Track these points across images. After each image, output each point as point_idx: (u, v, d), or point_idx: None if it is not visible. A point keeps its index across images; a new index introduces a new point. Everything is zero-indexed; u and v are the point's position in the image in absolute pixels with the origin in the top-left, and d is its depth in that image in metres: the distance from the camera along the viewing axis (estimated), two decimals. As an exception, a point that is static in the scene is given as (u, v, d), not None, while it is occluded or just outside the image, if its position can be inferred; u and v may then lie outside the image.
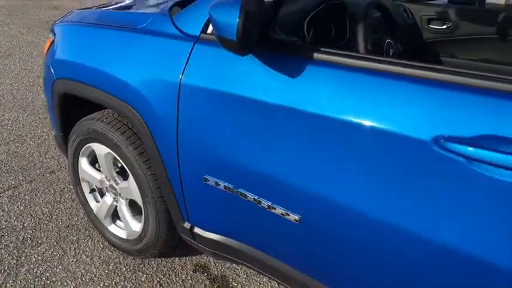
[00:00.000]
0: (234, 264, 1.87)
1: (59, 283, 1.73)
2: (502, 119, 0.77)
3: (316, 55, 1.04)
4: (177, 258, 1.90)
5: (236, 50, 0.96)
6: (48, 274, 1.77)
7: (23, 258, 1.86)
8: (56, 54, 1.70)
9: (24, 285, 1.71)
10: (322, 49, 1.04)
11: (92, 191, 1.94)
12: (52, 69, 1.73)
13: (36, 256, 1.87)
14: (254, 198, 1.20)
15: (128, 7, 1.85)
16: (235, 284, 1.78)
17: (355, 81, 0.96)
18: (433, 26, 2.23)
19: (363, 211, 0.98)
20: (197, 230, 1.48)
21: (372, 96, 0.93)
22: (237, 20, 0.88)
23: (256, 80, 1.09)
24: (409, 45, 2.10)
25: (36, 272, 1.78)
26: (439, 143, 0.83)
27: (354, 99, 0.96)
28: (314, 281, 1.25)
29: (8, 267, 1.79)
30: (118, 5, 1.95)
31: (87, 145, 1.75)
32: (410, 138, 0.86)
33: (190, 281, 1.78)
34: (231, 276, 1.81)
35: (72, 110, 1.83)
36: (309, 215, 1.10)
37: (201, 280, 1.79)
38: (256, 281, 1.80)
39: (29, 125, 3.07)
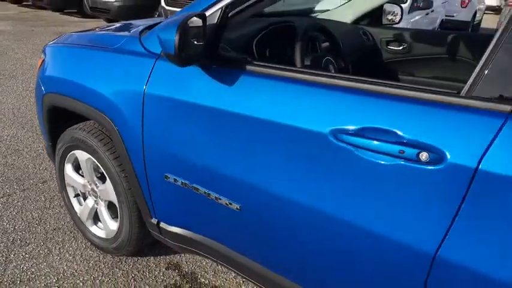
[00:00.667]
0: (204, 263, 2.04)
1: (43, 277, 1.91)
2: (377, 115, 0.97)
3: (253, 68, 1.25)
4: (151, 257, 2.07)
5: (176, 62, 1.18)
6: (33, 269, 1.95)
7: (12, 256, 2.04)
8: (46, 72, 1.93)
9: (12, 278, 1.89)
10: (257, 63, 1.26)
11: (76, 195, 2.13)
12: (42, 85, 1.96)
13: (23, 254, 2.05)
14: (205, 192, 1.39)
15: (111, 30, 2.09)
16: (203, 280, 1.94)
17: (280, 88, 1.17)
18: (391, 47, 2.46)
19: (286, 197, 1.17)
20: (163, 224, 1.66)
21: (289, 100, 1.13)
22: (174, 37, 1.10)
23: (204, 89, 1.31)
24: (368, 64, 2.32)
25: (23, 267, 1.96)
26: (335, 135, 1.03)
27: (278, 102, 1.16)
28: (262, 267, 1.42)
29: (-3, 264, 1.97)
30: (105, 27, 2.20)
31: (71, 152, 1.95)
32: (315, 133, 1.06)
33: (162, 277, 1.95)
34: (199, 273, 1.98)
35: (60, 122, 2.04)
36: (246, 204, 1.29)
37: (172, 276, 1.96)
38: (222, 277, 1.96)
39: (26, 141, 3.30)
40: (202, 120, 1.32)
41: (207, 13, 1.26)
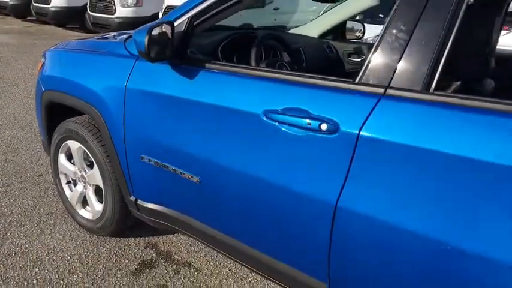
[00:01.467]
0: (179, 244, 2.31)
1: (35, 251, 2.17)
2: (295, 98, 1.27)
3: (210, 65, 1.56)
4: (132, 238, 2.33)
5: (147, 58, 1.49)
6: (27, 245, 2.22)
7: (9, 234, 2.30)
8: (45, 72, 2.24)
9: (7, 251, 2.15)
10: (213, 62, 1.57)
11: (68, 182, 2.41)
12: (41, 84, 2.26)
13: (19, 233, 2.32)
14: (172, 168, 1.68)
15: (106, 38, 2.41)
16: (177, 257, 2.20)
17: (228, 81, 1.48)
18: (352, 59, 2.78)
19: (232, 168, 1.46)
20: (140, 202, 1.94)
21: (234, 89, 1.44)
22: (144, 39, 1.41)
23: (171, 83, 1.61)
24: (329, 72, 2.64)
25: (17, 243, 2.23)
26: (265, 115, 1.32)
27: (226, 91, 1.46)
28: (224, 235, 1.67)
29: (-5, 240, 2.24)
30: (101, 36, 2.52)
31: (65, 142, 2.24)
32: (251, 113, 1.35)
33: (140, 254, 2.21)
34: (174, 251, 2.24)
35: (55, 117, 2.33)
36: (204, 176, 1.57)
37: (149, 254, 2.22)
38: (194, 255, 2.22)
39: (25, 141, 3.59)
40: (169, 108, 1.62)
41: (176, 22, 1.57)
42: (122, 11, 8.34)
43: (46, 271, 2.04)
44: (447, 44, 1.08)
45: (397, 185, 1.12)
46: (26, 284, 1.95)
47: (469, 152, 1.00)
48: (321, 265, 1.33)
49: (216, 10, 1.54)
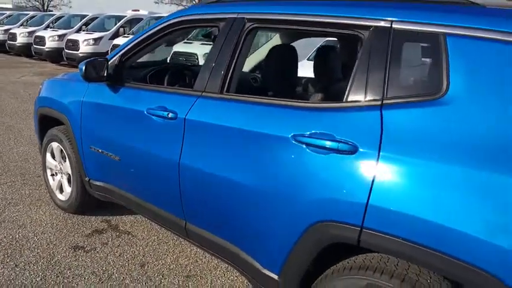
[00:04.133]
0: (127, 220, 3.11)
1: (22, 220, 3.03)
2: (166, 99, 2.13)
3: (130, 85, 2.44)
4: (93, 216, 3.16)
5: (84, 79, 2.40)
6: (17, 217, 3.08)
7: (6, 210, 3.18)
8: (40, 94, 3.20)
9: (2, 219, 3.02)
10: (133, 83, 2.45)
11: (52, 175, 3.30)
12: (37, 102, 3.23)
13: (13, 210, 3.19)
14: (107, 153, 2.53)
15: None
16: (122, 228, 3.00)
17: (138, 94, 2.35)
18: None
19: (135, 147, 2.30)
20: (92, 181, 2.79)
21: (141, 98, 2.30)
22: (82, 67, 2.33)
23: (106, 96, 2.50)
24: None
25: (11, 215, 3.10)
26: (148, 112, 2.17)
27: (136, 100, 2.33)
28: (147, 203, 2.47)
29: (-4, 212, 3.13)
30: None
31: (50, 144, 3.16)
32: (139, 112, 2.21)
33: (96, 225, 3.03)
34: (121, 225, 3.05)
35: (45, 126, 3.26)
36: (122, 156, 2.42)
37: (102, 225, 3.03)
38: (136, 227, 3.01)
39: (33, 154, 4.56)
40: (103, 112, 2.51)
41: (110, 60, 2.48)
42: (84, 48, 11.83)
43: (26, 231, 2.89)
44: (231, 67, 1.92)
45: (208, 148, 1.92)
46: (10, 237, 2.80)
47: (238, 125, 1.80)
48: (178, 206, 2.12)
49: (132, 52, 2.46)
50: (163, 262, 2.61)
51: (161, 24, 2.32)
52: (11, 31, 14.87)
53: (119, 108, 2.39)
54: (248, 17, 1.91)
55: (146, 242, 2.83)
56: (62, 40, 12.60)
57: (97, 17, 13.79)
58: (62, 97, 2.89)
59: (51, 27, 14.22)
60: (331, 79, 2.38)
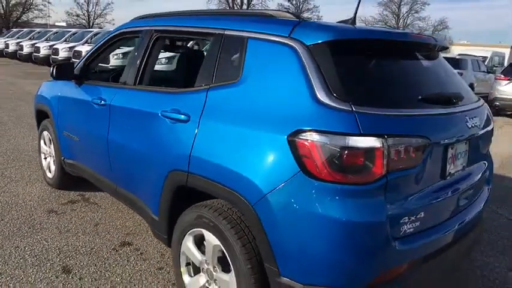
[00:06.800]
0: (98, 194, 3.82)
1: (17, 191, 3.82)
2: (99, 92, 2.82)
3: (92, 82, 3.17)
4: (72, 191, 3.89)
5: (54, 78, 3.14)
6: (14, 189, 3.88)
7: (8, 184, 4.00)
8: (37, 93, 4.02)
9: (2, 191, 3.83)
10: (93, 81, 3.18)
11: (44, 158, 4.10)
12: (35, 99, 4.05)
13: (14, 185, 4.00)
14: (73, 136, 3.26)
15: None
16: (92, 200, 3.72)
17: (98, 89, 3.07)
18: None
19: (89, 131, 3.00)
20: (65, 159, 3.53)
21: (96, 93, 3.02)
22: (52, 70, 3.08)
23: (74, 91, 3.23)
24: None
25: (11, 188, 3.90)
26: (93, 102, 2.87)
27: (87, 92, 3.05)
28: (96, 173, 3.17)
29: (-1, 185, 3.95)
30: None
31: (43, 132, 3.96)
32: (87, 101, 2.92)
33: (71, 197, 3.76)
34: (91, 198, 3.76)
35: (41, 119, 4.07)
36: (80, 137, 3.13)
37: (77, 197, 3.76)
38: (104, 201, 3.71)
39: (45, 146, 5.44)
40: (70, 104, 3.25)
41: (76, 64, 3.23)
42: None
43: (18, 199, 3.67)
44: (142, 65, 2.58)
45: (121, 125, 2.58)
46: (4, 202, 3.59)
47: (135, 106, 2.45)
48: (110, 172, 2.79)
49: (92, 57, 3.19)
50: (113, 224, 3.28)
51: (109, 35, 3.04)
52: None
53: (78, 100, 3.12)
54: (154, 29, 2.58)
55: (106, 211, 3.52)
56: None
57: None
58: (48, 94, 3.68)
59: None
60: (191, 72, 2.88)
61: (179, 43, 3.35)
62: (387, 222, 1.54)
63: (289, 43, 1.76)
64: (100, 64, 3.50)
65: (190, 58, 3.15)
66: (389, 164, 1.51)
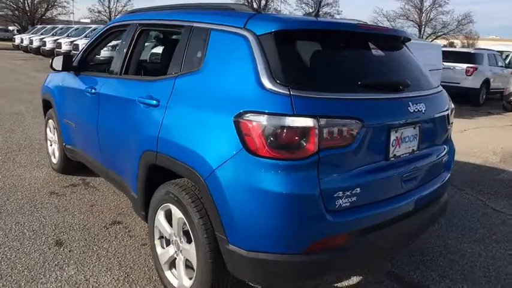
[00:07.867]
0: (97, 179, 4.08)
1: (24, 175, 4.13)
2: (95, 83, 3.05)
3: (88, 73, 3.41)
4: (75, 176, 4.17)
5: (52, 69, 3.40)
6: (22, 173, 4.19)
7: (17, 168, 4.31)
8: (44, 84, 4.31)
9: (11, 174, 4.14)
10: (90, 71, 3.42)
11: (50, 145, 4.39)
12: (41, 90, 4.35)
13: (22, 170, 4.31)
14: (71, 123, 3.52)
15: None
16: (91, 185, 3.98)
17: (95, 80, 3.30)
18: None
19: (84, 118, 3.24)
20: (66, 145, 3.80)
21: (87, 82, 3.26)
22: (51, 62, 3.33)
23: (72, 81, 3.49)
24: None
25: (19, 172, 4.21)
26: (87, 91, 3.11)
27: (84, 82, 3.29)
28: (90, 157, 3.43)
29: None
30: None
31: (48, 121, 4.25)
32: (83, 91, 3.15)
33: (73, 181, 4.04)
34: (91, 182, 4.03)
35: (47, 108, 4.36)
36: (77, 124, 3.39)
37: (78, 181, 4.04)
38: (102, 185, 3.97)
39: (56, 135, 5.77)
40: (69, 93, 3.50)
41: (74, 57, 3.47)
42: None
43: (24, 182, 3.97)
44: (127, 56, 2.79)
45: (107, 110, 2.81)
46: (12, 184, 3.89)
47: (118, 94, 2.67)
48: (100, 155, 3.02)
49: (89, 50, 3.43)
50: (107, 205, 3.54)
51: (103, 29, 3.28)
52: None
53: (75, 90, 3.37)
54: (139, 22, 2.79)
55: (103, 193, 3.78)
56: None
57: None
58: (52, 85, 3.96)
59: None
60: (167, 61, 2.99)
61: (160, 35, 3.56)
62: (320, 195, 1.70)
63: (243, 33, 1.93)
64: (97, 56, 3.75)
65: (167, 49, 3.36)
66: (321, 142, 1.67)
